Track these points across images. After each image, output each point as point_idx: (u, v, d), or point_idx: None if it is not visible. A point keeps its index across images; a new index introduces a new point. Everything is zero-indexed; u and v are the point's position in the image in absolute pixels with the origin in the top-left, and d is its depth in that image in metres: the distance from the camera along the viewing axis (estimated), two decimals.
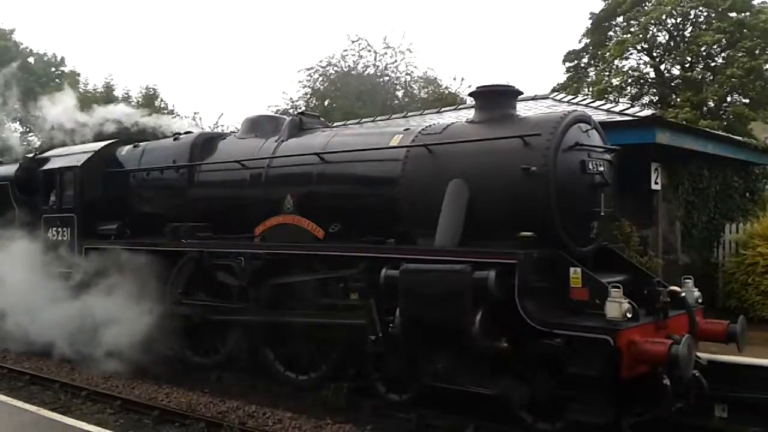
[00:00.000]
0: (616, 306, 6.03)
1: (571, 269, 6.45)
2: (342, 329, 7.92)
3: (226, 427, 7.55)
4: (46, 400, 9.07)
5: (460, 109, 15.23)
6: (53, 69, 32.88)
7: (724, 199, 12.46)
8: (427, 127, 8.14)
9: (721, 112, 20.72)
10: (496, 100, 7.62)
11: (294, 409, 8.07)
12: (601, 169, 7.14)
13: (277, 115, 9.81)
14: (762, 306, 10.57)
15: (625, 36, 22.48)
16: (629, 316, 6.06)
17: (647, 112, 11.69)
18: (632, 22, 22.53)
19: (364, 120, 16.53)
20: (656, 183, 10.53)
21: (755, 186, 13.84)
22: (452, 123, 8.09)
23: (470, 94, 8.24)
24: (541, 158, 6.72)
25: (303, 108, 25.01)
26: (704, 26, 21.32)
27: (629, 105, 14.55)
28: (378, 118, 16.45)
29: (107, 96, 23.61)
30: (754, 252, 10.86)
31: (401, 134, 8.11)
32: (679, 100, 20.66)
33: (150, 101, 23.61)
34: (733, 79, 19.00)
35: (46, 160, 11.92)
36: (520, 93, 7.92)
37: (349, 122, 16.14)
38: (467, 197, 7.03)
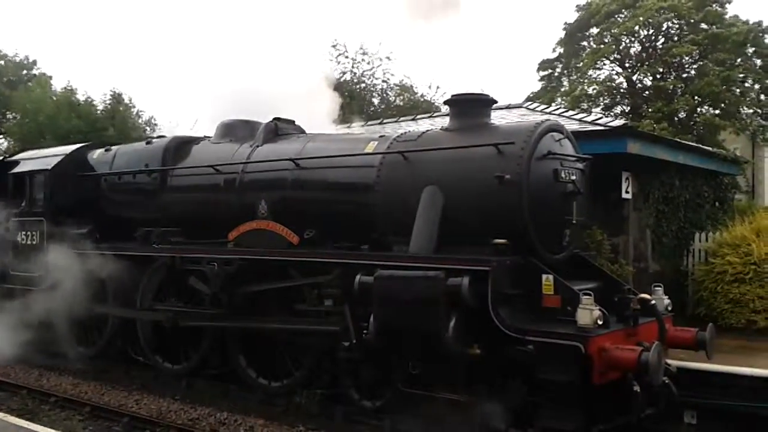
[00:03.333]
0: (588, 313, 6.10)
1: (544, 276, 6.52)
2: (316, 335, 7.90)
3: None
4: (13, 407, 8.88)
5: (435, 116, 15.27)
6: (24, 72, 32.20)
7: (694, 209, 12.62)
8: (402, 134, 8.16)
9: (692, 123, 21.03)
10: (471, 108, 7.68)
11: (266, 416, 8.02)
12: (574, 177, 7.22)
13: (252, 120, 9.71)
14: (730, 314, 10.67)
15: (599, 46, 22.75)
16: (600, 323, 6.14)
17: (619, 122, 11.82)
18: (605, 33, 22.82)
19: (339, 126, 16.48)
20: (627, 192, 10.65)
21: (725, 195, 14.02)
22: (427, 130, 8.12)
23: (446, 102, 8.29)
24: (514, 166, 6.77)
25: None
26: (676, 38, 21.66)
27: (602, 115, 14.68)
28: (353, 125, 16.42)
29: (69, 98, 22.91)
30: (723, 261, 10.98)
31: (376, 141, 8.13)
32: (650, 110, 20.94)
33: (116, 105, 22.93)
34: (712, 86, 19.24)
35: (16, 163, 11.73)
36: (495, 102, 7.97)
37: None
38: (442, 204, 7.06)
